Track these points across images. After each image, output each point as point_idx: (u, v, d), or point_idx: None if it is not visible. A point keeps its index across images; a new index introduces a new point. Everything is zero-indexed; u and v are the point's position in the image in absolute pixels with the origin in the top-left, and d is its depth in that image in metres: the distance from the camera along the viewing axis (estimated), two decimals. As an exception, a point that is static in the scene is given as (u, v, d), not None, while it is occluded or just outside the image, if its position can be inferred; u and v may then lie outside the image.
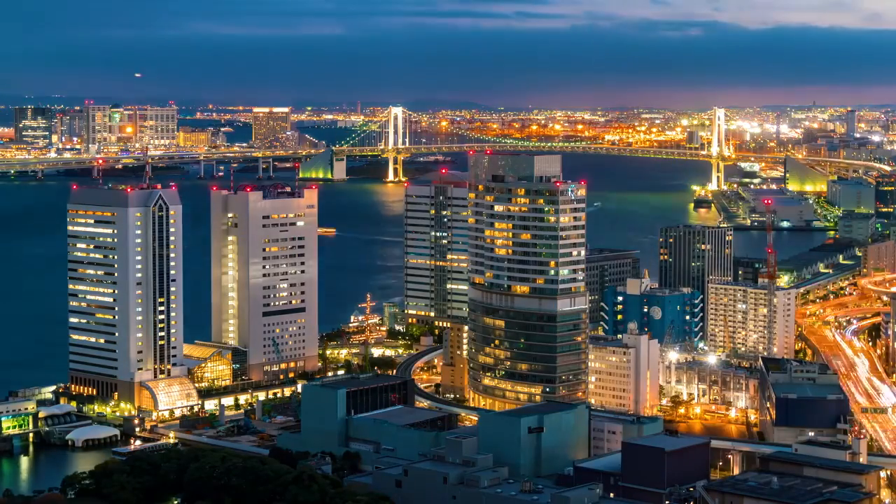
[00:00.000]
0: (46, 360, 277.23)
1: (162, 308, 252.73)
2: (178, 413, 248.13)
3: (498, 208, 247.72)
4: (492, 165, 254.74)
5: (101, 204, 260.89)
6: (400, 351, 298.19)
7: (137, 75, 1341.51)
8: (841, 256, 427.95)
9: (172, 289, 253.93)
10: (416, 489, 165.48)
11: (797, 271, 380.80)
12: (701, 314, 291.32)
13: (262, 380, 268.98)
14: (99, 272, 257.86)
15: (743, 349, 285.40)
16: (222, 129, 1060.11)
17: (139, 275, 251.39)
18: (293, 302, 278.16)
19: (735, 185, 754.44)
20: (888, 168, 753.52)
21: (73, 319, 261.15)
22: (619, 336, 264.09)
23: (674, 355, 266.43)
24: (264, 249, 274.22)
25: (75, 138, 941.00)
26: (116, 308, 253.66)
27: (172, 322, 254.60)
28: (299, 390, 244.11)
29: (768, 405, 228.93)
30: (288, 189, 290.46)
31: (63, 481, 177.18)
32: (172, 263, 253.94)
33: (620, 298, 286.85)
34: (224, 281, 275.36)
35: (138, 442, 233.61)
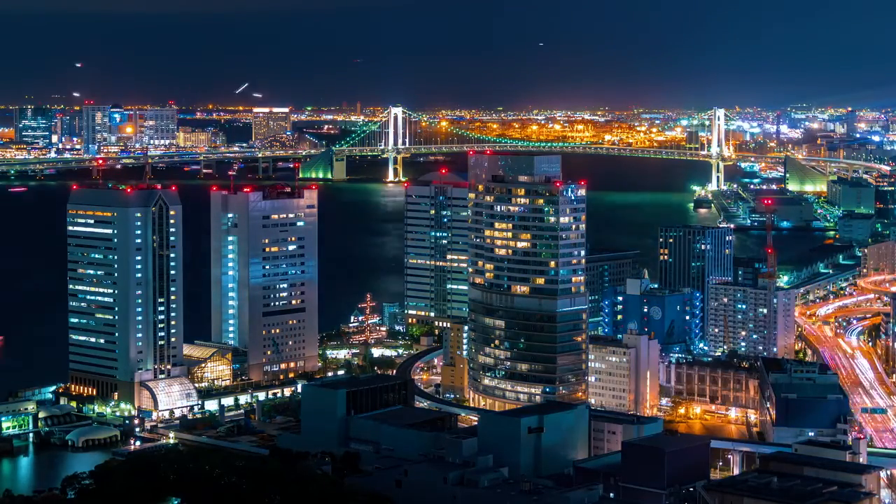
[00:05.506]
0: (46, 360, 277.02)
1: (162, 308, 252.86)
2: (178, 413, 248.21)
3: (498, 208, 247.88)
4: (492, 165, 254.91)
5: (101, 204, 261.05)
6: (400, 351, 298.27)
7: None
8: (841, 256, 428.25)
9: (172, 289, 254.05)
10: (416, 489, 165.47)
11: (797, 271, 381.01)
12: (701, 314, 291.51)
13: (262, 380, 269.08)
14: (99, 272, 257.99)
15: (743, 349, 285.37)
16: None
17: (139, 275, 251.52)
18: (293, 302, 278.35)
19: (735, 185, 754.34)
20: (888, 168, 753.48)
21: (73, 319, 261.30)
22: (619, 336, 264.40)
23: (674, 356, 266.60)
24: (264, 249, 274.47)
25: (75, 138, 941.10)
26: (116, 308, 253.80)
27: (172, 322, 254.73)
28: (299, 390, 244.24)
29: (768, 405, 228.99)
30: (288, 189, 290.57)
31: (63, 481, 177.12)
32: (172, 263, 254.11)
33: (620, 298, 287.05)
34: (224, 281, 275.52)
35: (138, 442, 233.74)
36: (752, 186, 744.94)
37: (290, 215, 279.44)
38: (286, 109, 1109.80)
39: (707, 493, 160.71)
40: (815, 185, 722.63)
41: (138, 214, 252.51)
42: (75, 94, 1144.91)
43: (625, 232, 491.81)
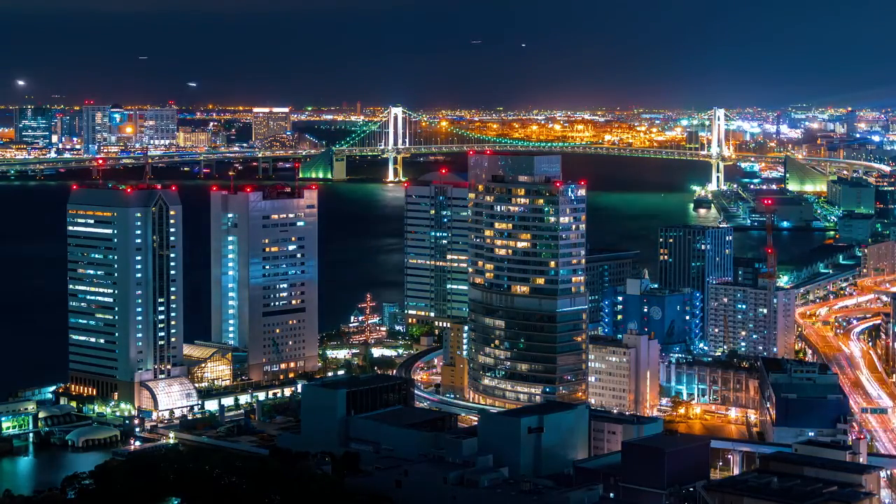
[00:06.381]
0: (46, 360, 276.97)
1: (162, 308, 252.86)
2: (178, 413, 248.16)
3: (498, 208, 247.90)
4: (492, 165, 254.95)
5: (101, 204, 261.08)
6: (400, 351, 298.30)
7: (143, 57, 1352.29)
8: (841, 256, 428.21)
9: (172, 289, 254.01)
10: (416, 489, 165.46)
11: (797, 271, 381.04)
12: (701, 314, 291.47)
13: (262, 380, 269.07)
14: (99, 272, 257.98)
15: (743, 349, 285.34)
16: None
17: (139, 275, 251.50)
18: (293, 302, 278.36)
19: (735, 185, 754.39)
20: (888, 168, 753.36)
21: (73, 319, 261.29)
22: (620, 336, 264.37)
23: (674, 356, 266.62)
24: (264, 249, 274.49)
25: (75, 138, 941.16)
26: (116, 308, 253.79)
27: (172, 322, 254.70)
28: (299, 390, 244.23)
29: (768, 405, 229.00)
30: (288, 189, 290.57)
31: (63, 481, 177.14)
32: (172, 263, 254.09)
33: (620, 298, 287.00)
34: (224, 281, 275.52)
35: (138, 442, 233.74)
36: (752, 186, 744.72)
37: (290, 215, 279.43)
38: (286, 109, 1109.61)
39: (707, 493, 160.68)
40: (815, 185, 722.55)
41: (138, 214, 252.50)
42: (54, 96, 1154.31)
43: (624, 232, 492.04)
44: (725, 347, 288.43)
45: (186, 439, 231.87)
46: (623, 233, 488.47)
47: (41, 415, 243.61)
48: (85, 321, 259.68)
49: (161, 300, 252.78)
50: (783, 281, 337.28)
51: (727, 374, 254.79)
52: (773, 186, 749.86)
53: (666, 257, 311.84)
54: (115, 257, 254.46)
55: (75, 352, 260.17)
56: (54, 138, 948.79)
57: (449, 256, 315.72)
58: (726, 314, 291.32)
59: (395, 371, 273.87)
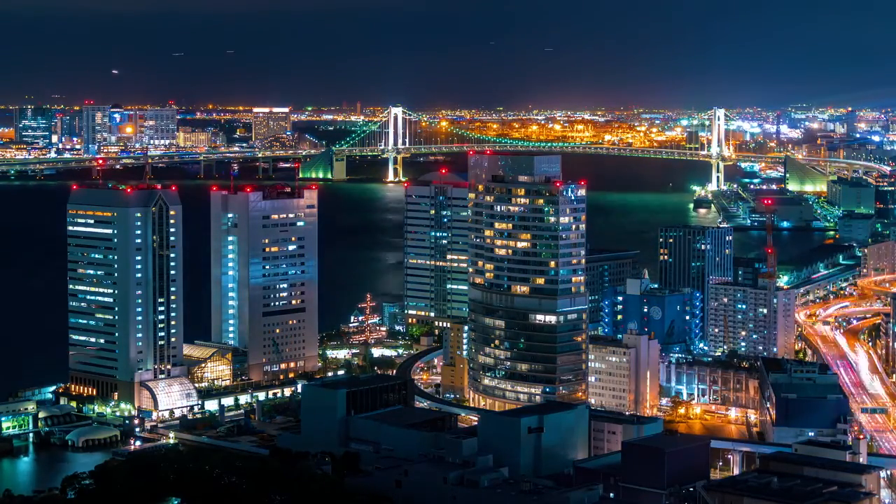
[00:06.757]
0: (46, 360, 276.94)
1: (162, 308, 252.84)
2: (178, 413, 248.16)
3: (498, 208, 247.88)
4: (492, 165, 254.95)
5: (101, 204, 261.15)
6: (400, 351, 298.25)
7: (115, 72, 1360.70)
8: (841, 256, 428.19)
9: (172, 289, 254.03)
10: (416, 489, 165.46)
11: (797, 271, 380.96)
12: (701, 314, 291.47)
13: (262, 380, 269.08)
14: (99, 272, 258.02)
15: (743, 349, 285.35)
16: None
17: (139, 275, 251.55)
18: (293, 302, 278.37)
19: (735, 185, 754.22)
20: (888, 168, 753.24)
21: (73, 319, 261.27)
22: (620, 336, 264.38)
23: (674, 356, 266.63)
24: (264, 249, 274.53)
25: (75, 138, 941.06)
26: (116, 308, 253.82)
27: (172, 322, 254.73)
28: (299, 390, 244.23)
29: (768, 405, 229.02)
30: (288, 189, 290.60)
31: (63, 481, 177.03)
32: (172, 263, 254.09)
33: (620, 298, 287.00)
34: (224, 281, 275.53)
35: (138, 442, 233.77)
36: (752, 186, 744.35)
37: (290, 215, 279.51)
38: (286, 109, 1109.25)
39: (707, 493, 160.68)
40: (815, 185, 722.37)
41: (138, 214, 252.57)
42: (54, 96, 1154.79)
43: (624, 232, 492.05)
44: (725, 347, 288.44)
45: (186, 439, 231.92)
46: (623, 233, 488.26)
47: (41, 415, 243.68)
48: (85, 321, 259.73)
49: (161, 300, 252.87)
50: (783, 281, 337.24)
51: (727, 374, 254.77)
52: (773, 186, 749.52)
53: (666, 257, 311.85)
54: (115, 257, 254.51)
55: (75, 352, 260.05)
56: (54, 138, 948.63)
57: (449, 256, 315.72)
58: (726, 314, 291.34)
59: (395, 371, 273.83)
